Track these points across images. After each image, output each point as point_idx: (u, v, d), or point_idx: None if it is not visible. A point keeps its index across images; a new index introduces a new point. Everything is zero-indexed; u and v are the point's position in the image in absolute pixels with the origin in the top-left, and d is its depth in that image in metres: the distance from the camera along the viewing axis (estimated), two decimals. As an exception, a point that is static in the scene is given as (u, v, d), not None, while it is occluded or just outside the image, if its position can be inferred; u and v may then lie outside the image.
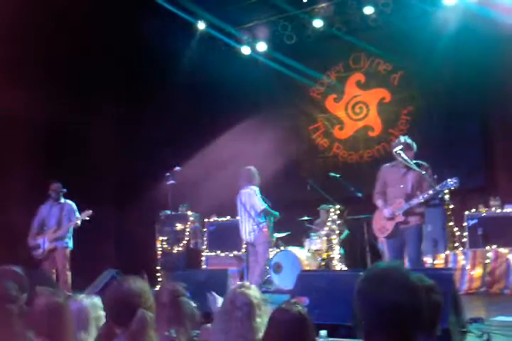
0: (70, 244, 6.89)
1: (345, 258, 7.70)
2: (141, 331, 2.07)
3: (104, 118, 9.04)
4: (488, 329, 4.11)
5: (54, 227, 6.80)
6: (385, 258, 6.21)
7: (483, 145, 8.05)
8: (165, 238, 8.64)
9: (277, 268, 7.46)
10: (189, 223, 8.69)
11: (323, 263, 7.58)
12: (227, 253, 8.24)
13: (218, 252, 8.31)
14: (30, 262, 6.77)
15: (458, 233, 7.00)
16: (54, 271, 6.75)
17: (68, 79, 8.49)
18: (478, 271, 6.61)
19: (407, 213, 5.13)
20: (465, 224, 6.93)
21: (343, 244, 7.76)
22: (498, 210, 6.88)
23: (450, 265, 6.67)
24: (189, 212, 8.73)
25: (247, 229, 6.57)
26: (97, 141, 8.89)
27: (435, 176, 5.39)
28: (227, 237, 8.12)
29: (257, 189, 6.57)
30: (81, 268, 6.98)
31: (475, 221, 6.83)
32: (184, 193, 8.40)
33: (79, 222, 6.81)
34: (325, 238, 7.70)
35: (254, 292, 2.50)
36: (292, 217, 7.89)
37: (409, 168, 5.22)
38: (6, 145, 7.73)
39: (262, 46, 9.37)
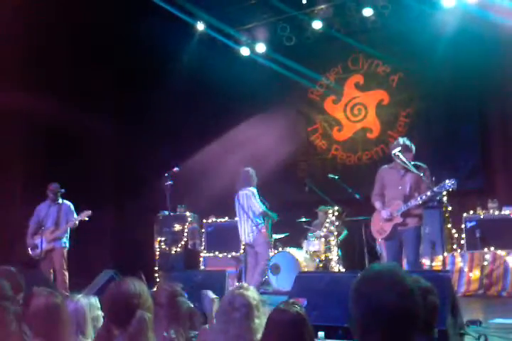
0: (67, 244, 6.87)
1: (343, 259, 7.70)
2: (140, 332, 2.07)
3: (103, 119, 9.03)
4: (486, 332, 4.11)
5: (52, 227, 6.78)
6: (383, 260, 6.21)
7: (481, 147, 8.06)
8: (163, 239, 8.63)
9: (275, 269, 7.46)
10: (187, 224, 8.69)
11: (321, 265, 7.58)
12: (225, 254, 8.23)
13: (216, 253, 8.31)
14: (27, 262, 6.76)
15: (456, 235, 7.00)
16: (51, 271, 6.73)
17: (68, 79, 8.48)
18: (476, 273, 6.62)
19: (406, 215, 5.13)
20: (463, 226, 6.94)
21: (341, 245, 7.76)
22: (496, 212, 6.89)
23: (448, 267, 6.67)
24: (187, 213, 8.73)
25: (246, 231, 6.57)
26: (96, 141, 8.90)
27: (433, 178, 5.39)
28: (225, 238, 8.12)
29: (255, 190, 6.57)
30: (78, 269, 6.97)
31: (473, 223, 6.84)
32: (182, 194, 8.39)
33: (77, 223, 6.79)
34: (323, 239, 7.71)
35: (252, 293, 2.50)
36: (290, 219, 7.88)
37: (407, 170, 5.22)
38: (5, 145, 7.72)
39: (261, 47, 9.38)
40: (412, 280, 1.61)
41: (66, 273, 6.72)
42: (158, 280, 8.28)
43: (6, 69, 7.20)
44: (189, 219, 8.70)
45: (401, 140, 5.37)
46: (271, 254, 7.49)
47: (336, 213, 7.70)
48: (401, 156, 5.20)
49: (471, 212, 7.01)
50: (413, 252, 5.11)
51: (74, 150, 8.61)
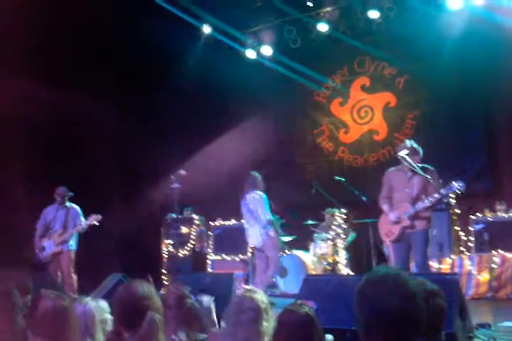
0: (75, 246, 6.88)
1: (351, 262, 7.68)
2: (150, 334, 2.07)
3: (108, 120, 9.05)
4: (495, 335, 4.09)
5: (60, 231, 6.80)
6: (391, 263, 6.19)
7: (488, 149, 8.02)
8: (170, 241, 8.65)
9: (283, 272, 7.45)
10: (194, 226, 8.70)
11: (328, 268, 7.56)
12: (232, 256, 8.23)
13: (224, 256, 8.31)
14: (35, 265, 6.78)
15: (464, 237, 6.97)
16: (59, 273, 6.75)
17: (72, 81, 8.49)
18: (484, 276, 6.58)
19: (414, 217, 5.12)
20: (471, 228, 6.90)
21: (348, 248, 7.74)
22: (505, 215, 6.85)
23: (456, 269, 6.64)
24: (194, 216, 8.74)
25: (254, 234, 6.55)
26: (101, 143, 8.91)
27: (440, 180, 5.37)
28: (232, 241, 8.12)
29: (263, 195, 6.57)
30: (86, 272, 6.98)
31: (481, 225, 6.80)
32: (189, 196, 8.41)
33: (85, 227, 6.79)
34: (330, 242, 7.69)
35: (261, 296, 2.50)
36: (297, 221, 7.88)
37: (414, 172, 5.20)
38: (6, 145, 7.72)
39: (267, 50, 9.39)
40: (415, 284, 1.63)
41: (74, 276, 6.74)
42: (166, 282, 8.29)
43: (6, 69, 7.21)
44: (196, 221, 8.72)
45: (408, 142, 5.35)
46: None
47: (344, 216, 7.69)
48: (407, 159, 5.19)
49: (479, 214, 6.98)
50: (421, 255, 5.10)
51: (78, 151, 8.62)
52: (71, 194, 6.94)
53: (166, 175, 8.09)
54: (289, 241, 7.87)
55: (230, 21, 9.13)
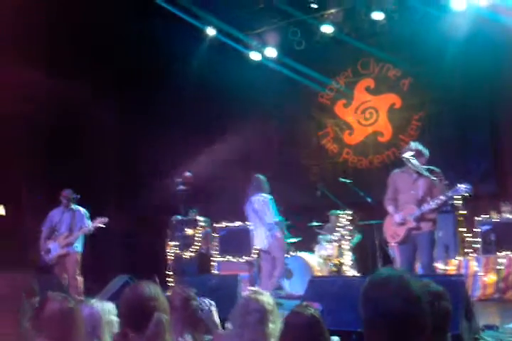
0: (80, 248, 6.90)
1: (357, 263, 7.67)
2: (157, 335, 2.07)
3: (111, 122, 9.06)
4: (502, 337, 4.08)
5: (65, 233, 6.82)
6: (397, 264, 6.18)
7: (493, 150, 8.01)
8: (176, 243, 8.66)
9: (288, 273, 7.44)
10: (200, 228, 8.71)
11: (334, 269, 7.55)
12: (238, 258, 8.23)
13: (229, 257, 8.31)
14: (41, 267, 6.80)
15: (470, 239, 6.94)
16: (65, 276, 6.76)
17: (75, 82, 8.48)
18: (491, 277, 6.56)
19: (420, 219, 5.11)
20: (477, 229, 6.88)
21: (354, 249, 7.73)
22: (510, 216, 6.82)
23: (462, 271, 6.62)
24: (199, 217, 8.75)
25: (261, 236, 6.55)
26: (104, 144, 8.92)
27: (446, 182, 5.36)
28: (237, 242, 8.12)
29: (270, 197, 6.57)
30: (91, 274, 6.99)
31: (487, 226, 6.78)
32: (193, 198, 8.42)
33: (91, 229, 6.81)
34: (336, 244, 7.68)
35: (267, 298, 2.51)
36: (302, 223, 7.88)
37: (420, 174, 5.19)
38: (9, 147, 7.73)
39: (271, 52, 9.40)
40: (419, 286, 1.63)
41: (80, 279, 6.75)
42: (171, 284, 8.29)
43: (5, 69, 7.22)
44: (201, 223, 8.73)
45: (413, 145, 5.34)
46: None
47: (349, 217, 7.68)
48: (413, 160, 5.18)
49: (485, 215, 6.96)
50: (427, 256, 5.09)
51: (82, 152, 8.63)
52: (77, 196, 6.96)
53: (168, 176, 8.09)
54: (294, 243, 7.87)
55: (233, 23, 9.14)
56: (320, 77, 9.20)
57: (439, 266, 6.57)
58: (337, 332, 3.47)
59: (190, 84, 9.37)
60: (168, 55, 9.22)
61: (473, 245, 6.88)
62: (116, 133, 9.31)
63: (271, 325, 2.41)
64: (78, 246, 6.87)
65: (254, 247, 7.19)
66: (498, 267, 6.54)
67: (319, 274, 7.24)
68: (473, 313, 3.98)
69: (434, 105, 8.41)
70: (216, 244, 8.50)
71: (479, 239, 6.83)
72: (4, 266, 2.52)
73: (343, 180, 7.61)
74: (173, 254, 8.73)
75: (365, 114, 9.17)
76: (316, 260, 7.59)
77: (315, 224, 8.01)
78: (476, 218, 6.95)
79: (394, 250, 6.42)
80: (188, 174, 7.33)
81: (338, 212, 7.83)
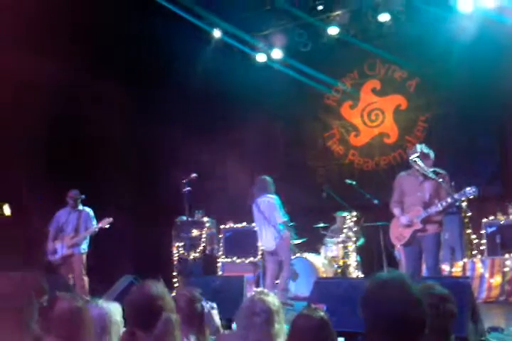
0: (86, 248, 6.94)
1: (362, 265, 7.67)
2: (166, 333, 2.08)
3: (117, 124, 9.08)
4: (508, 339, 4.06)
5: (72, 234, 6.86)
6: (402, 266, 6.17)
7: (500, 152, 7.98)
8: (181, 244, 8.68)
9: (293, 275, 7.45)
10: (205, 229, 8.72)
11: (339, 271, 7.55)
12: (243, 259, 8.24)
13: (234, 258, 8.32)
14: (47, 267, 6.83)
15: (476, 241, 6.93)
16: (71, 276, 6.80)
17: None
18: (497, 279, 6.54)
19: (426, 221, 5.10)
20: (483, 231, 6.86)
21: (359, 251, 7.72)
22: (517, 218, 6.81)
23: (468, 273, 6.60)
24: (205, 218, 8.77)
25: (268, 238, 6.54)
26: (111, 148, 8.94)
27: (453, 183, 5.36)
28: (243, 243, 8.14)
29: (276, 198, 6.57)
30: (97, 274, 7.02)
31: (493, 228, 6.76)
32: (199, 199, 8.44)
33: (97, 230, 6.85)
34: (341, 245, 7.68)
35: (272, 299, 2.51)
36: (307, 224, 7.88)
37: (426, 176, 5.19)
38: (9, 146, 7.74)
39: (277, 53, 9.41)
40: (419, 289, 1.64)
41: (85, 279, 6.78)
42: (176, 285, 8.32)
43: (5, 68, 7.25)
44: (207, 224, 8.74)
45: (419, 147, 5.33)
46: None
47: (354, 218, 7.68)
48: (419, 163, 5.17)
49: (491, 217, 6.94)
50: (433, 258, 5.08)
51: (89, 153, 8.65)
52: (83, 197, 7.00)
53: (170, 176, 8.09)
54: (299, 244, 7.87)
55: (240, 25, 9.16)
56: (326, 78, 9.20)
57: (445, 267, 6.56)
58: (342, 334, 3.49)
59: (196, 85, 9.39)
60: (176, 59, 9.24)
61: (479, 247, 6.87)
62: (117, 133, 9.33)
63: (276, 326, 2.42)
64: (84, 247, 6.91)
65: (260, 248, 7.19)
66: (504, 269, 6.52)
67: (325, 276, 7.24)
68: (479, 315, 3.98)
69: (441, 106, 8.40)
70: (221, 245, 8.52)
71: (485, 241, 6.81)
72: (4, 267, 2.54)
73: (349, 181, 7.61)
74: (178, 255, 8.75)
75: (371, 115, 9.17)
76: (321, 261, 7.59)
77: (321, 225, 8.01)
78: (483, 220, 6.94)
79: (400, 253, 6.42)
80: (194, 175, 7.33)
81: (344, 213, 7.83)
